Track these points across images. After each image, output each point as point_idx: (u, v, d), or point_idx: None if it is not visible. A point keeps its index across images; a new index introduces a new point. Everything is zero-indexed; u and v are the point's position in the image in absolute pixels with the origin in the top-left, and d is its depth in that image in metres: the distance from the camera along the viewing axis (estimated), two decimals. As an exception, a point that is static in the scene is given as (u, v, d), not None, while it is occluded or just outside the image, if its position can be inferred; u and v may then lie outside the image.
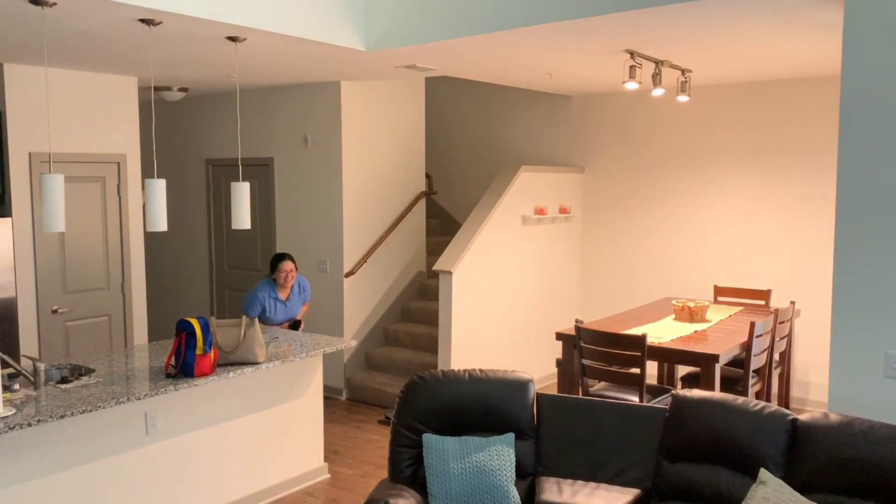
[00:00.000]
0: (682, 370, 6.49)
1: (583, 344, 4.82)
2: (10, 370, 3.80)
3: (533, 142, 7.87)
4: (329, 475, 5.05)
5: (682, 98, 5.65)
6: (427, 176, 7.82)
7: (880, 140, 3.03)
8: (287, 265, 5.48)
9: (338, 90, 6.54)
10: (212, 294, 7.83)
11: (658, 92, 5.25)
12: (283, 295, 5.53)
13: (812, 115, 6.27)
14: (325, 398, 6.77)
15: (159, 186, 4.08)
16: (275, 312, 5.49)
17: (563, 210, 7.20)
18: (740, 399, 3.14)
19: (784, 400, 5.82)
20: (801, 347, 6.43)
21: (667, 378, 6.03)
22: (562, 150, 7.68)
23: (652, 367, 6.87)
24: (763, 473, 2.90)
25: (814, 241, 6.32)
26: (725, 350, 4.65)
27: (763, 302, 6.21)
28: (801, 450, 2.93)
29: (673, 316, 5.66)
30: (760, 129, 6.53)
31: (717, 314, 5.73)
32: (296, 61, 5.35)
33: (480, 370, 3.52)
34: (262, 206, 7.23)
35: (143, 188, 5.95)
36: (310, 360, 4.86)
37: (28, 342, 5.58)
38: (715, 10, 3.78)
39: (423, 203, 7.48)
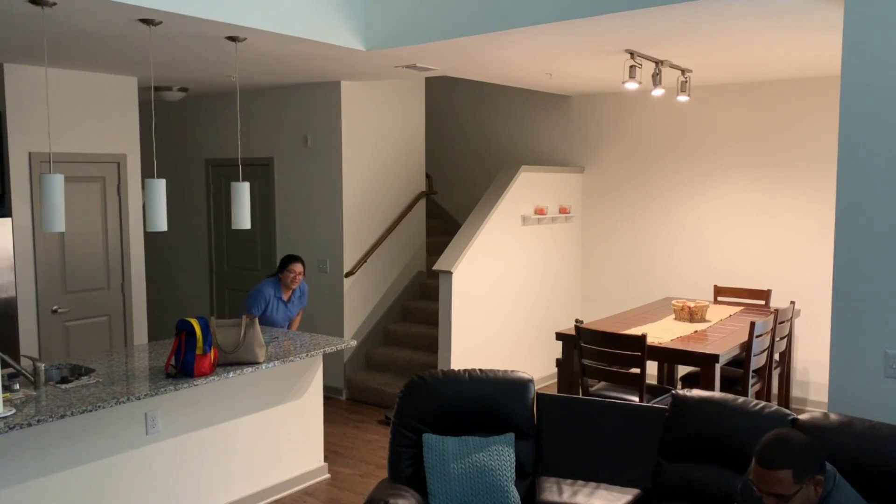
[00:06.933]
0: (682, 370, 6.49)
1: (583, 344, 4.82)
2: (10, 370, 3.80)
3: (533, 142, 7.87)
4: (329, 475, 5.05)
5: (682, 98, 5.65)
6: (427, 176, 7.81)
7: (880, 140, 3.03)
8: (298, 266, 5.49)
9: (338, 90, 6.54)
10: (212, 294, 7.83)
11: (658, 92, 5.25)
12: (285, 295, 5.54)
13: (812, 114, 6.26)
14: (325, 398, 6.76)
15: (159, 186, 4.08)
16: (276, 313, 5.51)
17: (563, 210, 7.20)
18: (740, 399, 3.13)
19: (784, 400, 5.82)
20: (801, 347, 6.43)
21: (667, 378, 6.03)
22: (562, 150, 7.67)
23: (652, 367, 6.86)
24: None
25: (814, 240, 6.31)
26: (725, 350, 4.65)
27: (763, 302, 6.21)
28: (801, 450, 2.92)
29: (673, 316, 5.66)
30: (760, 129, 6.53)
31: (717, 314, 5.73)
32: (296, 61, 5.35)
33: (480, 370, 3.52)
34: (262, 206, 7.23)
35: (143, 188, 5.95)
36: (310, 360, 4.86)
37: (28, 342, 5.58)
38: (715, 10, 3.78)
39: (423, 203, 7.48)
